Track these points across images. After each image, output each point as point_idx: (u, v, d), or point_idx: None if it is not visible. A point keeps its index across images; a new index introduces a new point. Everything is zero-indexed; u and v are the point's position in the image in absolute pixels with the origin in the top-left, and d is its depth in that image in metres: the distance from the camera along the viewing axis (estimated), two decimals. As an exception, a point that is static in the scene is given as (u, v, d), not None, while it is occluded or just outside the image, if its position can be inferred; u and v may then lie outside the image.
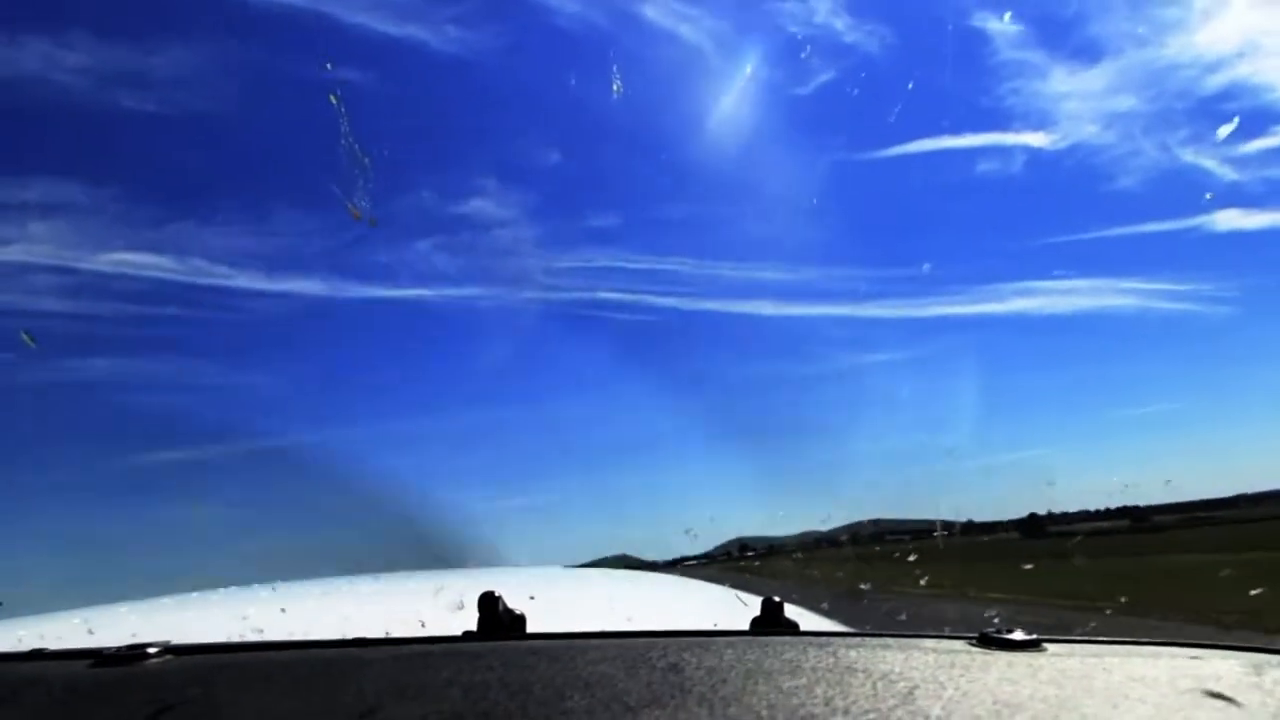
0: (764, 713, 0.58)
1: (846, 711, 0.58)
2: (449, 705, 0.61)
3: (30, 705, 0.67)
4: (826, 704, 0.60)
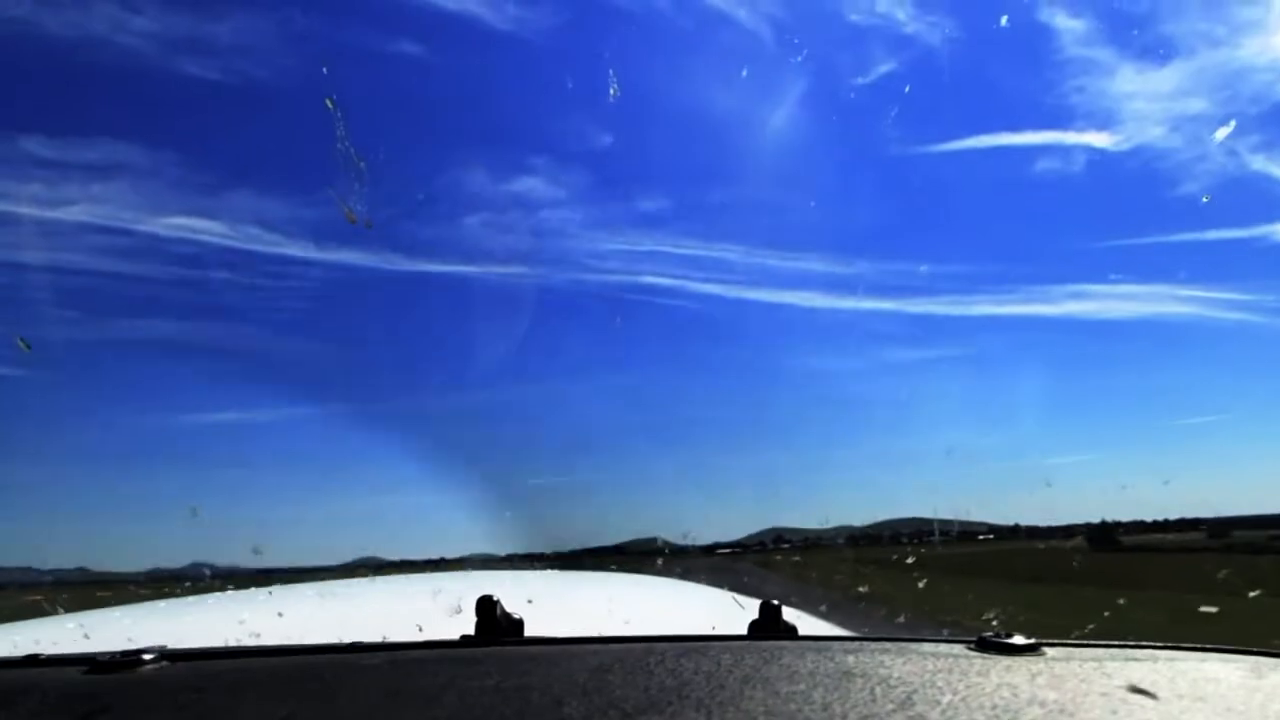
0: (762, 718, 0.58)
1: (844, 717, 0.58)
2: (446, 713, 0.60)
3: (25, 714, 0.66)
4: (824, 710, 0.59)
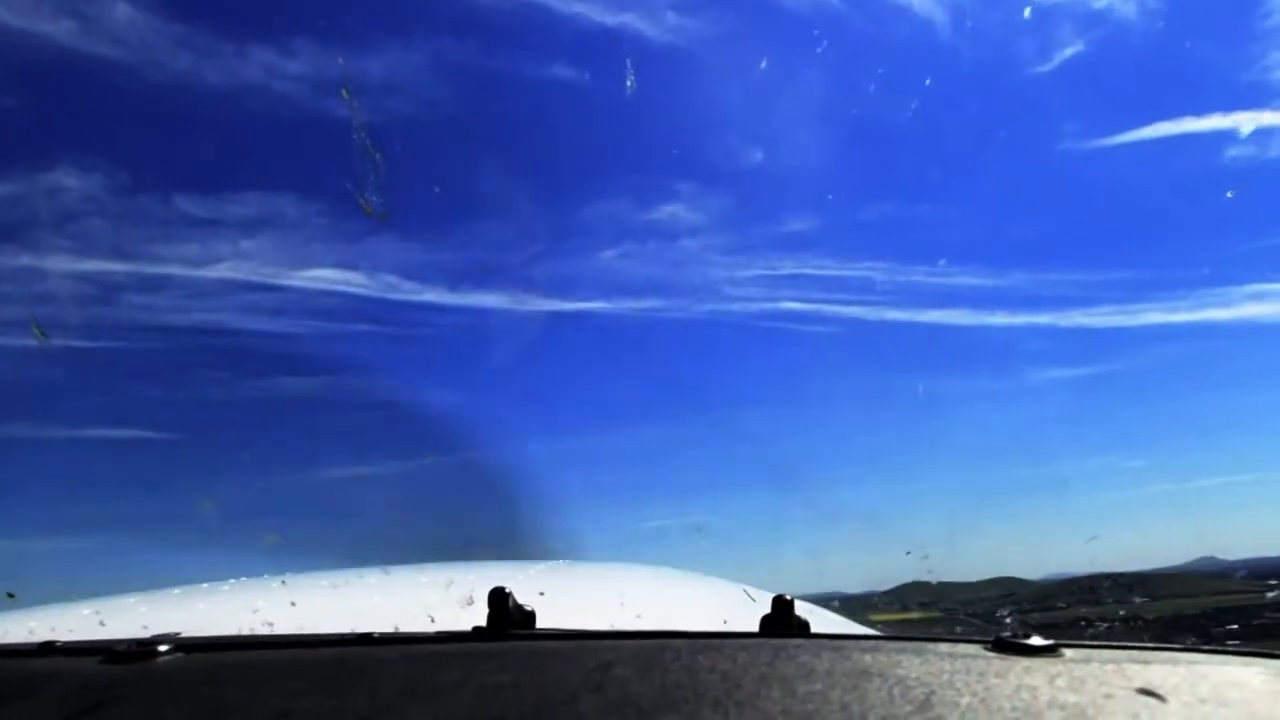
0: (778, 718, 0.57)
1: (863, 718, 0.57)
2: (462, 708, 0.60)
3: (44, 703, 0.67)
4: (842, 710, 0.59)
